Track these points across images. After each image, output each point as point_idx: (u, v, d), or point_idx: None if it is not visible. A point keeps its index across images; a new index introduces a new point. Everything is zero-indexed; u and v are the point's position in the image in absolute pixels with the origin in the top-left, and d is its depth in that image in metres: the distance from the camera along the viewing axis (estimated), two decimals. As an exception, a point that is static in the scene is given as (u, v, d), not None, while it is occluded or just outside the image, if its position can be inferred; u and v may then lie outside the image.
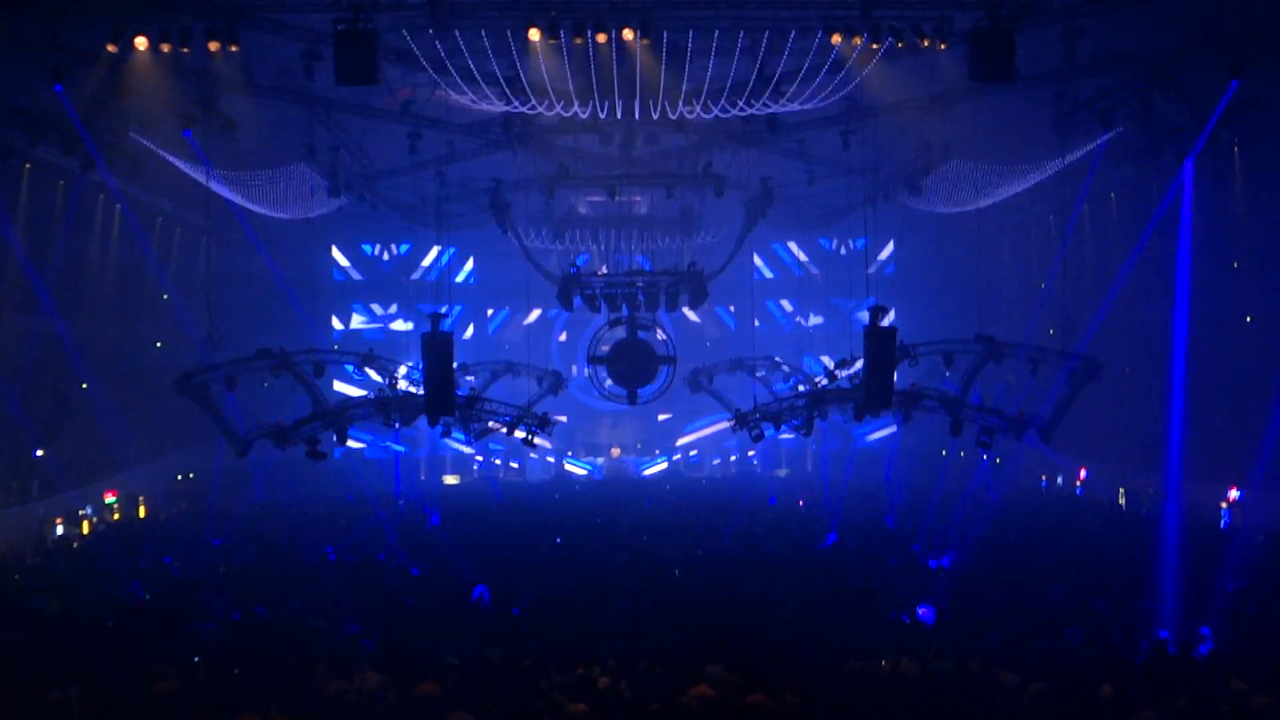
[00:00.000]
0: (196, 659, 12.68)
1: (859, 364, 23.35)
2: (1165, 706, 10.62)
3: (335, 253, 42.52)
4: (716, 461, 42.54)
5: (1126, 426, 30.84)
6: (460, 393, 23.72)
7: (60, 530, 24.64)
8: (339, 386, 36.19)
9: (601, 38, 18.34)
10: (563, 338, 43.50)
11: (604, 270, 31.80)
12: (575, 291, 27.68)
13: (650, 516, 26.97)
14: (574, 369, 38.51)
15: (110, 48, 18.16)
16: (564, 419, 36.93)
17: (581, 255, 33.54)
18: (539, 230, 33.01)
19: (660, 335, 28.79)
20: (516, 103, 22.08)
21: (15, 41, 18.89)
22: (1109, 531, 23.94)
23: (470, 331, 42.61)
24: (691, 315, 37.92)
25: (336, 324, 42.51)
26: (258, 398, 25.78)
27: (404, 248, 42.29)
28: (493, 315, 43.68)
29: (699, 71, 23.98)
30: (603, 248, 34.33)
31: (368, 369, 27.18)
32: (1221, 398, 27.55)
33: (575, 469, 41.57)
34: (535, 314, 40.85)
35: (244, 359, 22.59)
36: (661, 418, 42.43)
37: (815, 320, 42.62)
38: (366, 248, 42.69)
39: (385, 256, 42.79)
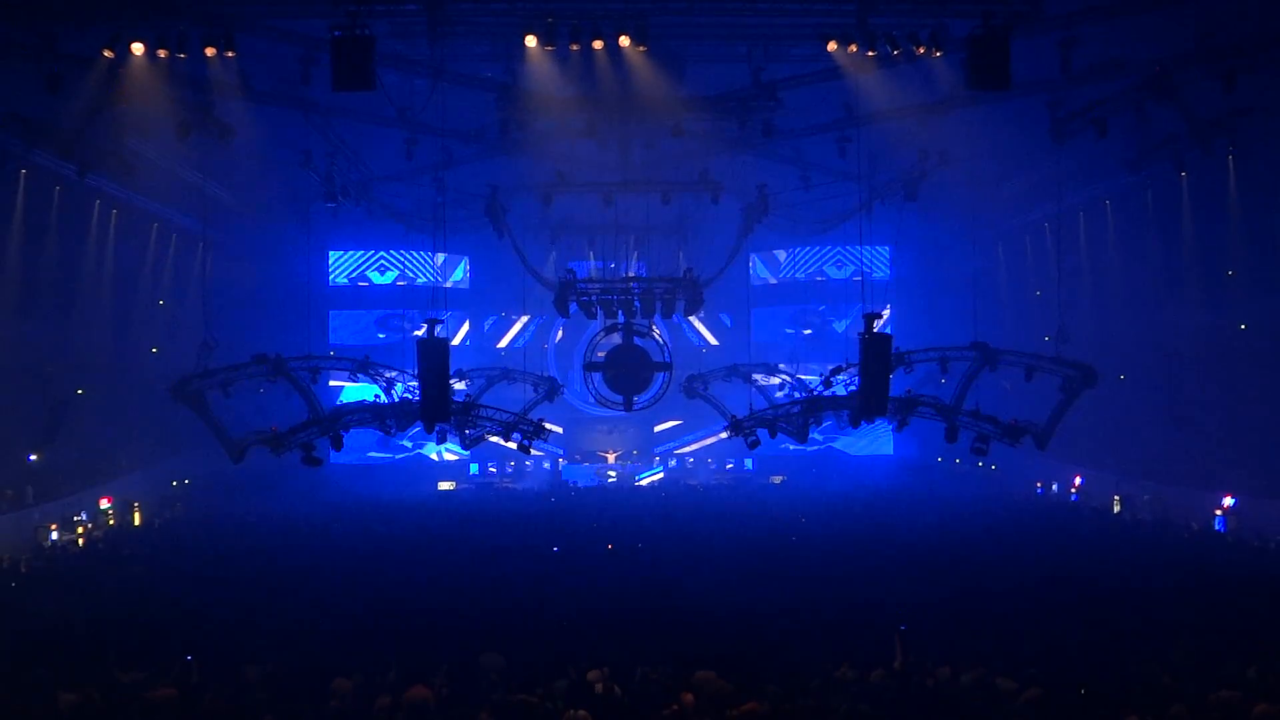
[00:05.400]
0: (189, 658, 12.64)
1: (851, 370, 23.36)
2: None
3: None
4: (709, 460, 42.36)
5: (1122, 433, 30.90)
6: (456, 399, 23.72)
7: (55, 536, 24.56)
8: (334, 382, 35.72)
9: (598, 44, 18.38)
10: (559, 336, 43.45)
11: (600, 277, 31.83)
12: (571, 298, 27.69)
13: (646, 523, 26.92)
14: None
15: (107, 53, 18.17)
16: (560, 435, 37.17)
17: (579, 264, 33.50)
18: (535, 236, 33.05)
19: (658, 335, 28.81)
20: (513, 108, 22.14)
21: (11, 47, 18.88)
22: (1104, 538, 23.94)
23: (464, 336, 42.53)
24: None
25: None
26: (254, 404, 25.73)
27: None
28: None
29: (695, 78, 24.09)
30: (598, 254, 34.33)
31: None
32: (1216, 405, 27.62)
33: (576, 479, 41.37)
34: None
35: (240, 365, 22.57)
36: (659, 428, 42.44)
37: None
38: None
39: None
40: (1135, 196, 29.38)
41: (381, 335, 41.75)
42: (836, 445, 41.42)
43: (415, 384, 22.75)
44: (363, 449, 38.91)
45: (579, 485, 38.41)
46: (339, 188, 27.22)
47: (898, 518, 26.76)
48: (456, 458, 40.01)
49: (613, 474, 40.08)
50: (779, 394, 32.51)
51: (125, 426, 31.23)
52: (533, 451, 25.10)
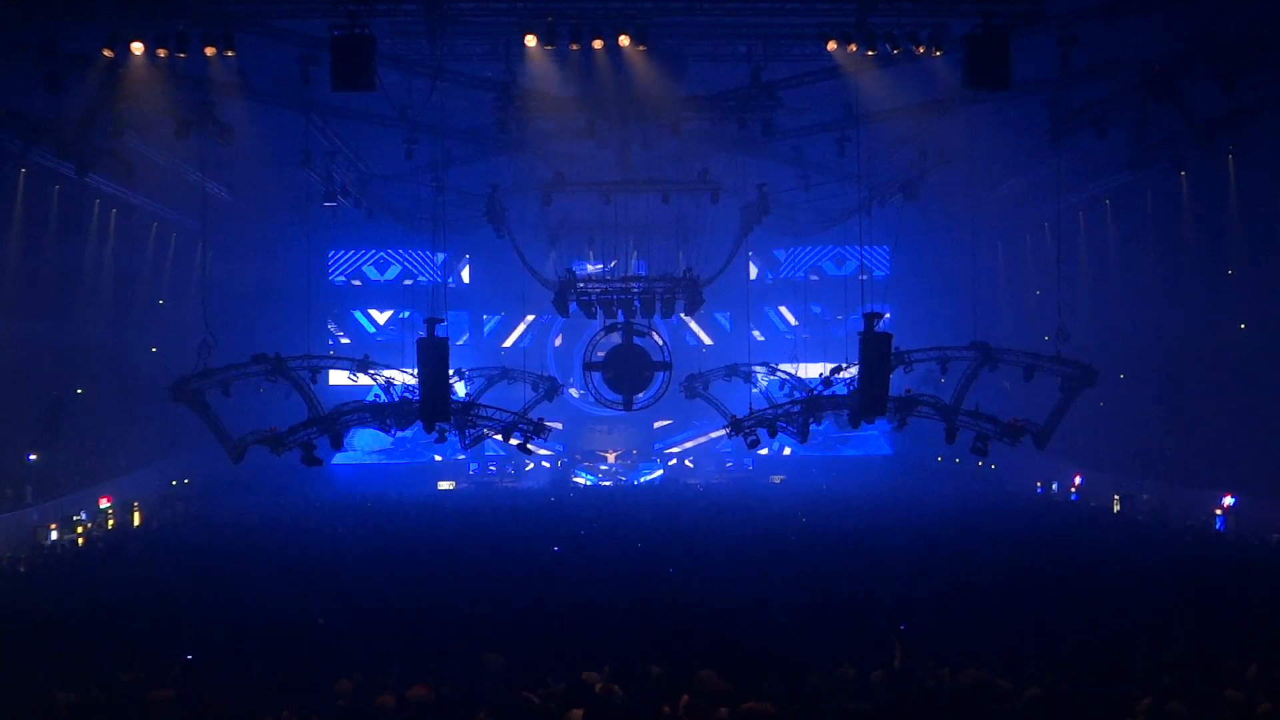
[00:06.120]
0: (190, 657, 12.63)
1: (854, 370, 23.34)
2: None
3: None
4: (710, 462, 42.38)
5: (1122, 433, 30.90)
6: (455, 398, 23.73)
7: (55, 536, 24.54)
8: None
9: (598, 44, 18.37)
10: (558, 342, 43.52)
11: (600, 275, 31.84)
12: (571, 297, 27.68)
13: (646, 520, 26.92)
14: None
15: (106, 52, 18.16)
16: (560, 435, 37.12)
17: (579, 264, 33.52)
18: (535, 236, 33.04)
19: (657, 336, 28.82)
20: (513, 108, 22.12)
21: (11, 45, 18.88)
22: (1104, 537, 23.92)
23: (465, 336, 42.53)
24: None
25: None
26: (254, 403, 25.71)
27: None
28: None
29: (695, 78, 24.07)
30: (598, 253, 34.34)
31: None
32: (1216, 405, 27.61)
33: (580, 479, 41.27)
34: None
35: (239, 365, 22.56)
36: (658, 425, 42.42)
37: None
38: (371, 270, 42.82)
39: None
40: (1135, 196, 29.39)
41: (380, 338, 41.79)
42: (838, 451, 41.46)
43: (415, 383, 22.78)
44: (372, 450, 39.24)
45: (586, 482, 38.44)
46: (339, 187, 27.21)
47: (897, 517, 26.74)
48: (463, 458, 40.11)
49: (614, 475, 39.91)
50: (780, 393, 32.50)
51: (125, 426, 31.22)
52: (533, 450, 25.11)
